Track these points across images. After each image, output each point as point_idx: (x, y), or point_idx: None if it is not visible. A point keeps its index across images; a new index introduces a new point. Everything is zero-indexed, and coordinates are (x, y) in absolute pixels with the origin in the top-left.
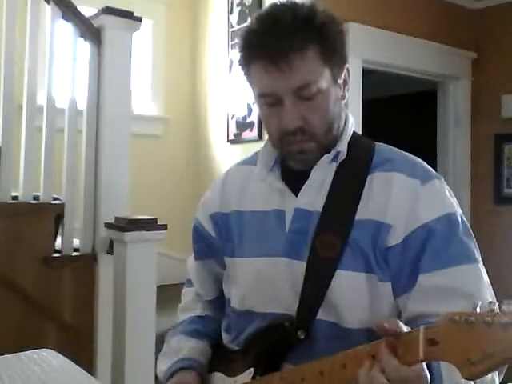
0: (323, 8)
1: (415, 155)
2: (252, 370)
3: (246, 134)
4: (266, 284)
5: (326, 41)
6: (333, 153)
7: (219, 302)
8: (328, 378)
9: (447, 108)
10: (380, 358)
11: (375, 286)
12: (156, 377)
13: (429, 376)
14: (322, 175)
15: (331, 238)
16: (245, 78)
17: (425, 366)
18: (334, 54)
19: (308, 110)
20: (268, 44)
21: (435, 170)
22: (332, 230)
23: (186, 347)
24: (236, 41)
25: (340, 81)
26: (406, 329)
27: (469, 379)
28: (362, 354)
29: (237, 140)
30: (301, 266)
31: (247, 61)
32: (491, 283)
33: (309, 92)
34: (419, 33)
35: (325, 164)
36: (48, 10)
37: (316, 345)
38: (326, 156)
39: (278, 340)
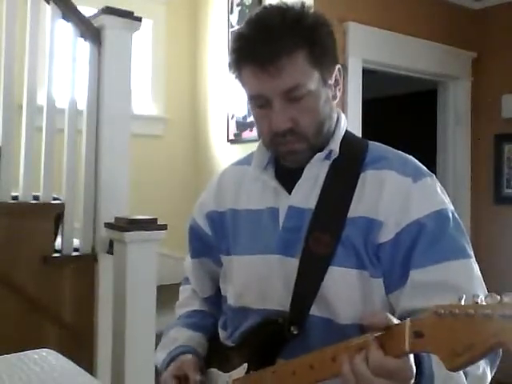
0: (313, 10)
1: (415, 155)
2: (246, 365)
3: (246, 134)
4: (260, 281)
5: (315, 44)
6: (325, 151)
7: (215, 299)
8: (318, 371)
9: (447, 108)
10: (367, 350)
11: (367, 282)
12: (156, 376)
13: (415, 369)
14: (314, 173)
15: (324, 236)
16: (237, 80)
17: (411, 360)
18: (323, 56)
19: (297, 112)
20: (257, 49)
21: (435, 170)
22: (325, 227)
23: (183, 336)
24: None
25: (331, 81)
26: (395, 321)
27: (452, 370)
28: (351, 347)
29: (237, 140)
30: (294, 263)
31: (238, 65)
32: (491, 283)
33: (297, 94)
34: (419, 33)
35: (318, 162)
36: (48, 10)
37: (310, 340)
38: (318, 154)
39: (272, 335)
